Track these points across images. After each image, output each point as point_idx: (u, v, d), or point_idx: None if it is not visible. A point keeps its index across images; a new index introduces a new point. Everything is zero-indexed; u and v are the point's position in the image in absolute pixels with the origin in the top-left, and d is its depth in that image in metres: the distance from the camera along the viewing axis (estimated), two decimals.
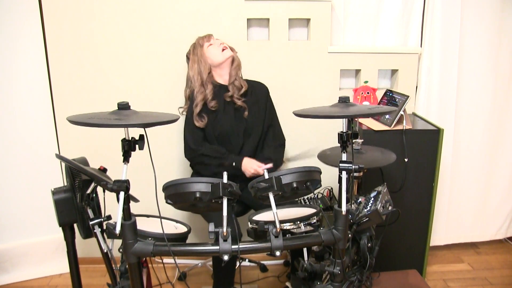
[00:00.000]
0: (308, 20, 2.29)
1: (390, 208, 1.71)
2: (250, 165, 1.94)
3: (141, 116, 1.24)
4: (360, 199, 1.71)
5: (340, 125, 1.34)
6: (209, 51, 2.00)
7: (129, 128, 1.24)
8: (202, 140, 2.00)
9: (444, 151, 2.15)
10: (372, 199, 1.68)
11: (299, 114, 1.35)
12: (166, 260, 1.88)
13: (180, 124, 2.12)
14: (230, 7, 2.19)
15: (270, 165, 1.95)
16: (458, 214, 2.63)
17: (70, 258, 1.59)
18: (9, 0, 2.08)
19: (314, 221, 1.51)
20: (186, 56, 2.10)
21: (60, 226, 1.52)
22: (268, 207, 1.33)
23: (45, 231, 2.35)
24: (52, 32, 2.16)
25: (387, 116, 2.09)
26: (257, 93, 2.07)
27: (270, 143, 2.09)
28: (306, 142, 2.38)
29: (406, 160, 2.05)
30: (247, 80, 2.07)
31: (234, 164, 1.94)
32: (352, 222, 1.53)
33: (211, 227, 1.27)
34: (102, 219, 1.44)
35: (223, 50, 2.00)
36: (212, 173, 1.95)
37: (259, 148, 2.07)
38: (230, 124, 2.00)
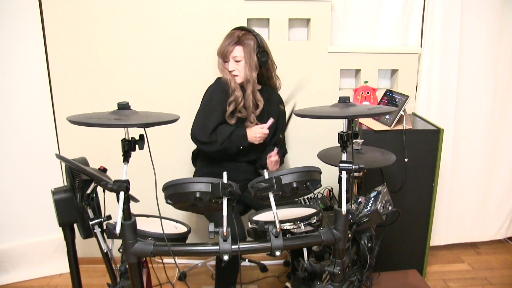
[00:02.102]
0: (308, 20, 2.29)
1: (390, 208, 1.71)
2: (254, 134, 1.93)
3: (141, 116, 1.24)
4: (360, 199, 1.71)
5: (340, 125, 1.34)
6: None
7: (129, 128, 1.24)
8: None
9: (444, 151, 2.15)
10: (372, 199, 1.68)
11: (299, 114, 1.35)
12: (166, 260, 1.89)
13: (180, 124, 2.11)
14: (230, 7, 2.19)
15: (271, 120, 1.96)
16: (458, 214, 2.63)
17: (70, 258, 1.59)
18: (9, 0, 2.08)
19: (314, 221, 1.51)
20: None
21: (60, 226, 1.52)
22: (268, 207, 1.33)
23: (45, 231, 2.35)
24: (52, 32, 2.16)
25: (387, 116, 2.09)
26: (271, 102, 2.05)
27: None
28: (306, 142, 2.39)
29: (406, 160, 2.05)
30: (263, 87, 2.04)
31: (241, 148, 1.93)
32: (352, 222, 1.53)
33: (211, 227, 1.27)
34: (102, 219, 1.44)
35: (233, 76, 1.96)
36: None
37: (263, 153, 2.07)
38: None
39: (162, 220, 1.41)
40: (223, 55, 1.94)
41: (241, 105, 1.95)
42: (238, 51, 1.92)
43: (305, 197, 2.02)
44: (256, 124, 2.00)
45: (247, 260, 2.48)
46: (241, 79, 1.97)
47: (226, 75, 1.96)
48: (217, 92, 1.96)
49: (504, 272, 2.47)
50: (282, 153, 2.13)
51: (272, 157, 1.97)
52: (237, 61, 1.94)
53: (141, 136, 1.25)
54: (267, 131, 1.95)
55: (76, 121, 1.15)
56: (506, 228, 2.75)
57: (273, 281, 2.34)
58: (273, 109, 2.07)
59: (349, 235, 1.45)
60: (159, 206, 1.30)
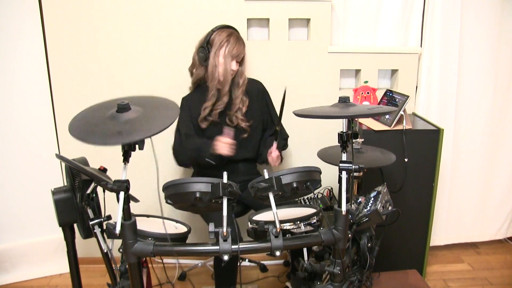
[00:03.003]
0: (308, 20, 2.29)
1: (390, 208, 1.71)
2: (219, 146, 1.83)
3: (143, 126, 1.20)
4: (360, 199, 1.71)
5: (340, 125, 1.34)
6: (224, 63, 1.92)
7: None
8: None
9: (444, 151, 2.15)
10: (372, 199, 1.68)
11: (299, 114, 1.35)
12: (166, 260, 1.89)
13: None
14: (230, 7, 2.19)
15: (231, 131, 1.91)
16: (458, 214, 2.63)
17: (70, 258, 1.59)
18: (9, 0, 2.08)
19: (314, 221, 1.51)
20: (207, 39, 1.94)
21: (60, 226, 1.52)
22: (268, 207, 1.33)
23: (45, 231, 2.35)
24: (52, 32, 2.16)
25: (387, 116, 2.09)
26: (250, 92, 2.01)
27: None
28: (306, 142, 2.39)
29: (406, 160, 2.05)
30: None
31: (212, 162, 1.86)
32: (352, 222, 1.53)
33: (211, 227, 1.27)
34: (102, 219, 1.44)
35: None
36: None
37: (260, 147, 2.06)
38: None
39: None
40: (236, 57, 1.93)
41: (216, 111, 1.93)
42: (244, 52, 1.97)
43: (305, 197, 2.02)
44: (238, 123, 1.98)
45: (247, 260, 2.48)
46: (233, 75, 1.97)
47: (227, 76, 1.91)
48: (181, 114, 2.00)
49: (504, 272, 2.47)
50: (283, 143, 2.12)
51: (273, 153, 1.95)
52: (239, 62, 1.96)
53: None
54: (229, 139, 1.86)
55: (79, 138, 1.16)
56: (506, 228, 2.75)
57: (273, 281, 2.34)
58: (256, 98, 2.04)
59: (349, 235, 1.45)
60: (161, 206, 1.30)
